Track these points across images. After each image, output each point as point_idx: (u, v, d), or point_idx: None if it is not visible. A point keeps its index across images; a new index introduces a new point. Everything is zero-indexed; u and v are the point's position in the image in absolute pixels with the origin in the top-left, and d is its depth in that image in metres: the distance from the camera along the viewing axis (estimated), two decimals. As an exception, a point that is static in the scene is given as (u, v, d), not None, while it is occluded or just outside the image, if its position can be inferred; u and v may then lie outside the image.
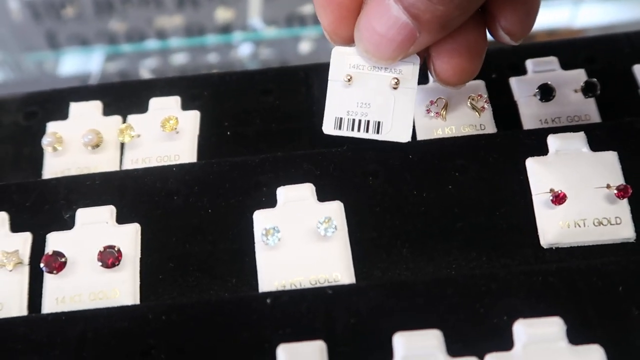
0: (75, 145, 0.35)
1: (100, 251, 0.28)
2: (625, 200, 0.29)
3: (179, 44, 0.95)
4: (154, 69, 0.94)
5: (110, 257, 0.28)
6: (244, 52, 0.95)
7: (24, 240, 0.29)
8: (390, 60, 0.28)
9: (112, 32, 0.93)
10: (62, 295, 0.28)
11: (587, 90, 0.34)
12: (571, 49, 0.39)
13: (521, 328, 0.24)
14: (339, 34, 0.28)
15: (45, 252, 0.28)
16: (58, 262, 0.28)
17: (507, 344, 0.25)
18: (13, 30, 0.92)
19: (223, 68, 0.93)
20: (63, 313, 0.27)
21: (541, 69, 0.36)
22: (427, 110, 0.34)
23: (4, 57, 0.92)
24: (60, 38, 0.93)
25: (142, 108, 0.37)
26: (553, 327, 0.24)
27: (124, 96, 0.38)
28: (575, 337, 0.24)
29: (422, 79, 0.36)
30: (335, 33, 0.28)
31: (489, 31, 0.29)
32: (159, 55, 0.96)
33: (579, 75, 0.36)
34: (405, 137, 0.30)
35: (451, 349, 0.25)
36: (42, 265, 0.28)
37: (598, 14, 0.88)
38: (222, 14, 0.94)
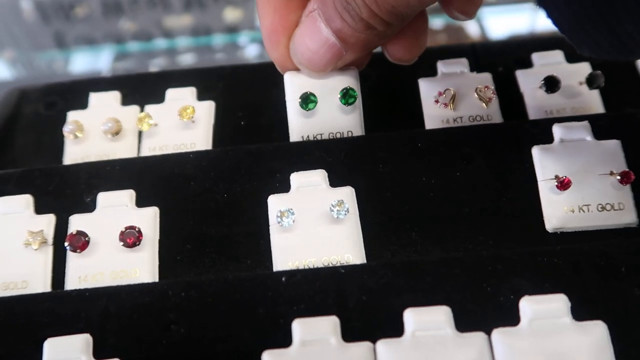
0: (95, 133, 0.36)
1: (121, 231, 0.29)
2: (629, 187, 0.30)
3: (186, 44, 0.96)
4: (162, 69, 0.95)
5: (131, 237, 0.29)
6: (251, 53, 0.96)
7: (48, 222, 0.31)
8: (321, 72, 0.32)
9: (121, 32, 0.94)
10: (84, 273, 0.29)
11: (592, 82, 0.35)
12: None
13: (527, 304, 0.25)
14: (276, 38, 0.32)
15: (69, 232, 0.29)
16: (82, 242, 0.29)
17: (513, 321, 0.26)
18: (25, 30, 0.93)
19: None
20: (86, 289, 0.28)
21: (547, 62, 0.37)
22: (436, 100, 0.35)
23: (17, 55, 0.94)
24: (70, 38, 0.94)
25: (158, 99, 0.38)
26: (558, 303, 0.25)
27: (140, 87, 0.39)
28: (579, 315, 0.25)
29: (430, 72, 0.37)
30: (275, 32, 0.32)
31: (444, 10, 0.32)
32: (167, 55, 0.97)
33: (584, 68, 0.37)
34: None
35: (459, 325, 0.25)
36: (66, 244, 0.29)
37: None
38: (230, 14, 0.96)
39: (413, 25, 0.32)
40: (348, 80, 0.33)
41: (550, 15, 0.24)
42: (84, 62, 0.97)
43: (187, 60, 0.96)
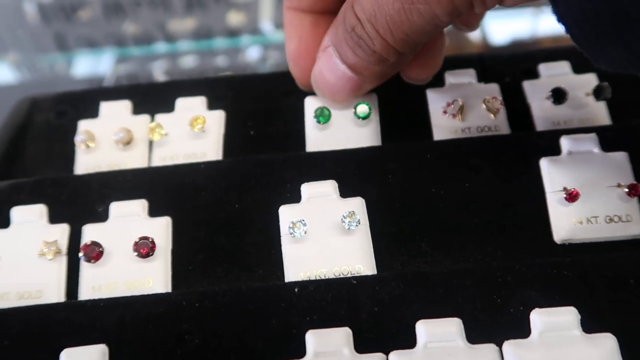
0: (106, 142, 0.36)
1: (135, 241, 0.29)
2: (636, 199, 0.31)
3: (188, 47, 0.97)
4: (164, 72, 0.95)
5: (145, 247, 0.29)
6: (253, 56, 0.96)
7: (62, 231, 0.31)
8: (344, 102, 0.34)
9: (123, 35, 0.94)
10: (98, 283, 0.29)
11: (598, 93, 0.35)
12: (583, 53, 0.40)
13: (537, 317, 0.25)
14: (300, 62, 0.34)
15: (83, 242, 0.30)
16: (96, 252, 0.29)
17: (523, 333, 0.26)
18: (28, 33, 0.94)
19: (232, 71, 0.95)
20: (101, 300, 0.28)
21: (553, 72, 0.38)
22: (444, 111, 0.36)
23: (20, 58, 0.94)
24: (72, 41, 0.94)
25: (168, 108, 0.38)
26: (568, 315, 0.25)
27: (150, 96, 0.40)
28: (589, 327, 0.26)
29: (438, 82, 0.38)
30: (299, 57, 0.34)
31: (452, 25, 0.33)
32: (169, 58, 0.97)
33: (590, 79, 0.37)
34: None
35: (470, 337, 0.26)
36: (80, 254, 0.29)
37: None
38: (233, 18, 0.96)
39: (430, 44, 0.32)
40: (364, 95, 0.34)
41: (568, 30, 0.24)
42: (87, 65, 0.97)
43: (189, 63, 0.96)
